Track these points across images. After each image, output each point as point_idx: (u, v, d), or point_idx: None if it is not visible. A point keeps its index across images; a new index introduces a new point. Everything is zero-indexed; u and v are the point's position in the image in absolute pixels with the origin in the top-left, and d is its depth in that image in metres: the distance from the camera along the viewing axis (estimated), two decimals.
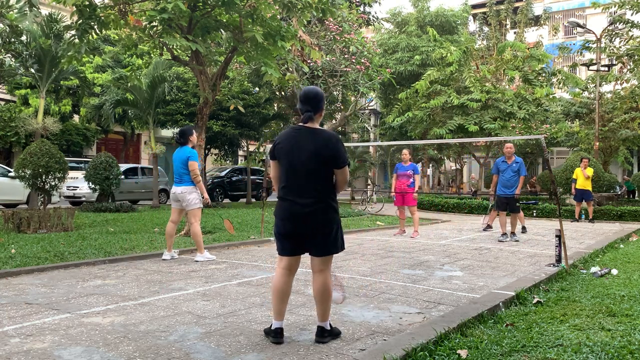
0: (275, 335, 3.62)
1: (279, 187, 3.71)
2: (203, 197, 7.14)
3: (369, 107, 32.11)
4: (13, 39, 14.91)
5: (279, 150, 3.66)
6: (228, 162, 29.62)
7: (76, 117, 24.12)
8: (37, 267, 6.18)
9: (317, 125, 3.68)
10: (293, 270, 3.72)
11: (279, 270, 3.69)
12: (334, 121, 23.07)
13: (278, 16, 10.14)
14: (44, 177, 10.54)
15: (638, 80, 19.41)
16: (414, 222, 10.91)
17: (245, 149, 24.61)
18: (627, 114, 20.49)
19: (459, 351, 3.34)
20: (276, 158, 3.70)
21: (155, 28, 10.30)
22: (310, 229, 3.57)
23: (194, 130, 7.28)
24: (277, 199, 3.71)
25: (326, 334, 3.67)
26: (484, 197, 18.60)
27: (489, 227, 12.03)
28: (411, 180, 10.66)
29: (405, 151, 10.95)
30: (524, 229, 11.48)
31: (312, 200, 3.55)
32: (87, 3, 9.67)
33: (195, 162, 7.02)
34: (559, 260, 6.68)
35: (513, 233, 10.16)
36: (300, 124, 3.66)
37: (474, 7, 32.33)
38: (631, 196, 25.76)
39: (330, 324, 3.72)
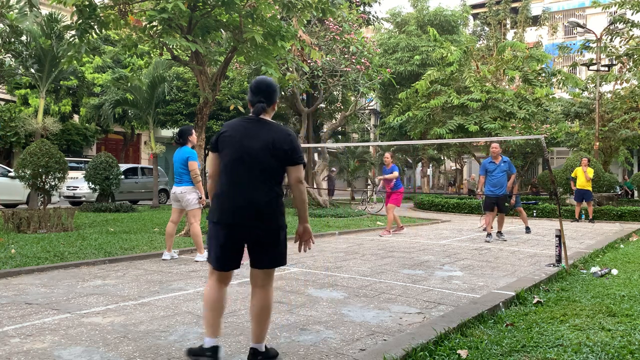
0: (212, 355, 3.08)
1: (217, 183, 3.22)
2: (201, 198, 7.14)
3: (369, 107, 32.12)
4: (13, 39, 14.92)
5: (224, 139, 3.18)
6: None
7: (76, 117, 24.10)
8: (37, 267, 6.18)
9: (270, 119, 3.29)
10: (226, 282, 3.30)
11: (210, 283, 3.27)
12: (334, 121, 23.06)
13: (278, 16, 10.13)
14: (43, 177, 10.54)
15: (638, 80, 19.40)
16: (388, 221, 11.00)
17: None
18: (627, 114, 20.48)
19: (459, 351, 3.34)
20: (219, 150, 3.22)
21: (155, 28, 10.29)
22: (252, 236, 3.10)
23: (193, 130, 7.28)
24: (213, 197, 3.22)
25: (260, 357, 3.15)
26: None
27: None
28: (394, 181, 10.80)
29: (387, 154, 11.11)
30: (527, 229, 11.50)
31: (257, 200, 3.07)
32: (87, 3, 9.65)
33: (194, 162, 7.03)
34: (559, 260, 6.68)
35: (500, 232, 10.21)
36: (252, 115, 3.23)
37: (474, 7, 32.36)
38: (630, 196, 25.72)
39: (265, 346, 3.21)
